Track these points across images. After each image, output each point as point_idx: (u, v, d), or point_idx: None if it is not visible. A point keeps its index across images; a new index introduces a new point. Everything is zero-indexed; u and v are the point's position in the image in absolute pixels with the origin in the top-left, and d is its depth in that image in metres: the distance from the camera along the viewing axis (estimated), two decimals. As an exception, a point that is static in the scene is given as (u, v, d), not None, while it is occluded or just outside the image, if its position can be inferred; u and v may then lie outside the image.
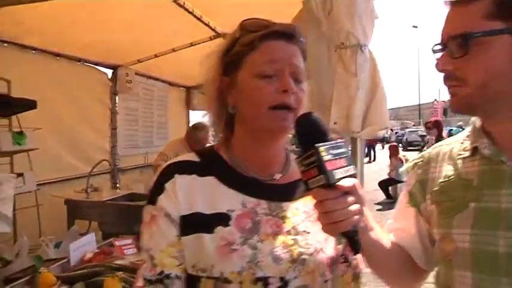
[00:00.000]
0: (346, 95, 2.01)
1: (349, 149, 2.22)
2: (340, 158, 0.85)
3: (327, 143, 0.85)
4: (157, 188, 1.05)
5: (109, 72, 5.52)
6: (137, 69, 5.72)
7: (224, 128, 1.11)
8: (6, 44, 3.92)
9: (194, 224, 1.00)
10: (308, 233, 1.02)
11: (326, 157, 0.83)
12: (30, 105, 3.50)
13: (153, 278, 0.99)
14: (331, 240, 1.02)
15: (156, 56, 5.28)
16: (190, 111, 7.95)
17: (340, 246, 1.03)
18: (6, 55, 3.92)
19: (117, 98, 5.64)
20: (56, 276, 1.97)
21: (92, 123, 5.19)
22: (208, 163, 1.08)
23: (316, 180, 0.84)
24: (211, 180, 1.05)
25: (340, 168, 0.84)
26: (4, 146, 3.26)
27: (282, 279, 0.96)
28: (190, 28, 4.48)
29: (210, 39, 4.91)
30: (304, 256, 0.99)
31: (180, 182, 1.03)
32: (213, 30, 4.64)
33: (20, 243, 3.14)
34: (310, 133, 0.88)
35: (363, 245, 0.91)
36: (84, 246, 2.38)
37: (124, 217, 3.58)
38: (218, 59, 1.09)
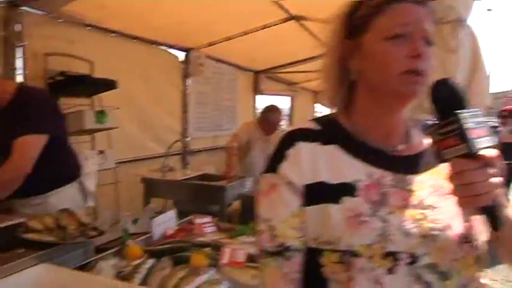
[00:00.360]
0: (443, 72, 1.90)
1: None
2: (481, 127, 0.79)
3: (467, 110, 0.79)
4: (278, 156, 1.01)
5: (181, 55, 5.60)
6: (208, 53, 5.77)
7: (344, 95, 1.06)
8: (89, 28, 4.07)
9: (319, 193, 0.96)
10: (435, 207, 0.96)
11: (468, 125, 0.77)
12: (111, 85, 3.63)
13: (272, 249, 0.97)
14: (459, 217, 0.95)
15: (227, 39, 5.28)
16: (257, 96, 7.95)
17: (467, 224, 0.95)
18: (90, 38, 4.08)
19: (188, 80, 5.70)
20: (142, 249, 2.02)
21: (164, 105, 5.30)
22: (330, 131, 1.04)
23: (456, 149, 0.78)
24: (334, 149, 1.00)
25: (483, 137, 0.78)
26: (88, 124, 3.40)
27: (412, 255, 0.90)
28: (264, 10, 4.45)
29: (283, 21, 4.85)
30: (434, 232, 0.93)
31: (303, 150, 0.99)
32: (287, 12, 4.57)
33: (103, 217, 3.29)
34: (449, 99, 0.82)
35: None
36: (165, 222, 2.43)
37: (198, 196, 3.65)
38: (340, 22, 1.04)
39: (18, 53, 3.40)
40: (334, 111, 1.10)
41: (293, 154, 0.99)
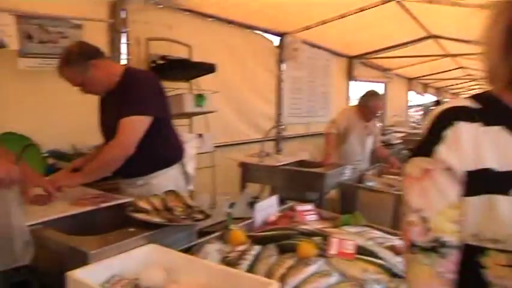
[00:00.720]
0: None
1: None
2: None
3: None
4: (433, 137, 0.87)
5: (276, 39, 5.51)
6: (303, 37, 5.62)
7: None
8: (187, 13, 4.10)
9: (483, 182, 0.80)
10: None
11: None
12: (210, 68, 3.62)
13: (425, 245, 0.83)
14: None
15: (323, 23, 5.09)
16: (350, 82, 7.67)
17: None
18: (188, 23, 4.12)
19: (283, 66, 5.60)
20: (245, 234, 1.95)
21: (259, 90, 5.26)
22: (492, 111, 0.87)
23: None
24: (499, 131, 0.84)
25: None
26: (187, 107, 3.42)
27: None
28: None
29: (382, 3, 4.57)
30: None
31: (464, 131, 0.84)
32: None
33: (202, 200, 3.30)
34: None
35: None
36: (267, 208, 2.35)
37: (296, 183, 3.55)
38: None
39: (123, 38, 3.51)
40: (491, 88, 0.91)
41: (452, 135, 0.84)
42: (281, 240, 1.84)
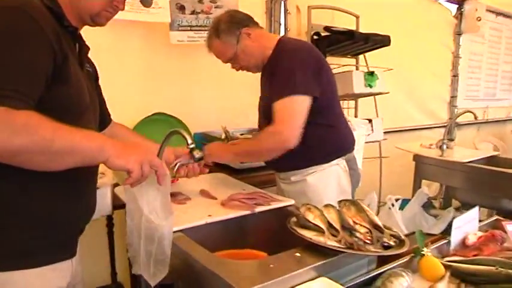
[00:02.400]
0: None
1: None
2: None
3: None
4: None
5: (453, 8, 4.61)
6: (488, 4, 4.62)
7: None
8: None
9: None
10: None
11: None
12: (384, 41, 2.99)
13: None
14: None
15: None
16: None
17: None
18: None
19: (460, 39, 4.69)
20: (442, 263, 1.36)
21: (431, 68, 4.46)
22: None
23: None
24: None
25: None
26: (357, 87, 2.84)
27: None
28: None
29: None
30: None
31: None
32: None
33: (368, 200, 2.73)
34: None
35: None
36: (466, 224, 1.68)
37: (487, 186, 2.75)
38: None
39: (281, 7, 3.07)
40: None
41: None
42: (498, 281, 1.21)
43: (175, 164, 1.74)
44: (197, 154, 1.55)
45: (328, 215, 1.41)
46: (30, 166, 1.00)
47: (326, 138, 1.94)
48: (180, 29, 2.61)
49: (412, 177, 3.30)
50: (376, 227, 1.37)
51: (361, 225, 1.37)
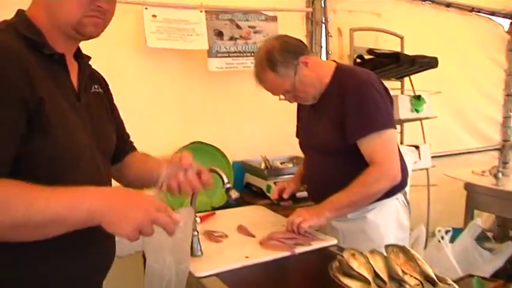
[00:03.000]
0: None
1: None
2: None
3: None
4: None
5: (505, 23, 4.38)
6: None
7: None
8: None
9: None
10: None
11: None
12: (431, 63, 2.84)
13: None
14: None
15: None
16: None
17: None
18: (398, 9, 3.47)
19: (513, 55, 4.45)
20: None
21: (482, 87, 4.21)
22: None
23: None
24: None
25: None
26: (403, 112, 2.70)
27: None
28: None
29: None
30: None
31: None
32: None
33: (416, 234, 2.57)
34: None
35: None
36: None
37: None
38: None
39: (322, 30, 2.99)
40: None
41: None
42: None
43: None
44: (234, 195, 1.45)
45: (374, 263, 1.29)
46: (16, 240, 0.89)
47: None
48: (218, 55, 2.57)
49: (463, 204, 3.10)
50: (428, 278, 1.24)
51: (411, 275, 1.24)
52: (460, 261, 2.57)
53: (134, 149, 1.49)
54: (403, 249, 1.34)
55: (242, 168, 2.72)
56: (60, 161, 1.02)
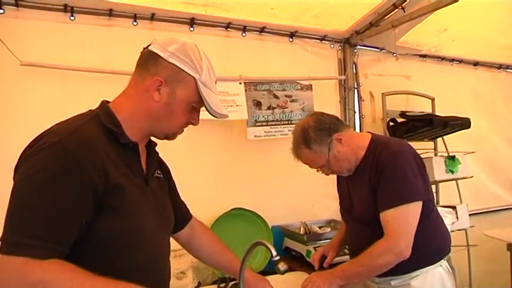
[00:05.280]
0: None
1: None
2: None
3: None
4: None
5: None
6: None
7: None
8: (425, 58, 3.54)
9: None
10: None
11: None
12: (464, 124, 2.89)
13: None
14: None
15: None
16: None
17: None
18: (428, 70, 3.58)
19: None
20: None
21: (512, 141, 4.20)
22: None
23: None
24: None
25: None
26: (438, 174, 2.74)
27: None
28: None
29: None
30: None
31: None
32: None
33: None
34: None
35: None
36: None
37: None
38: None
39: (355, 94, 3.09)
40: None
41: None
42: None
43: None
44: (282, 267, 1.49)
45: None
46: None
47: (430, 239, 1.84)
48: (257, 124, 2.68)
49: (507, 263, 3.03)
50: None
51: None
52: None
53: (191, 216, 1.65)
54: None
55: (281, 233, 2.76)
56: (128, 239, 1.11)
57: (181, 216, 1.56)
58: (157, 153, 1.38)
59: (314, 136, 1.83)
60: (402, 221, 1.72)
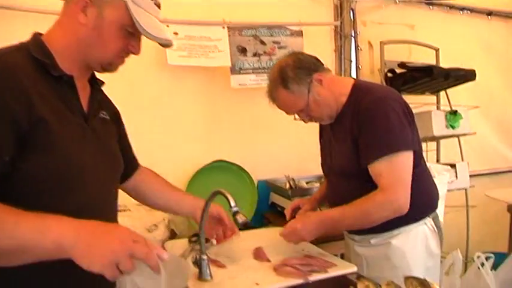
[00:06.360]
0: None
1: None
2: None
3: None
4: None
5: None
6: None
7: None
8: (432, 7, 3.27)
9: None
10: None
11: None
12: (468, 76, 2.68)
13: None
14: None
15: None
16: None
17: None
18: (433, 19, 3.31)
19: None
20: None
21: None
22: None
23: None
24: None
25: None
26: (437, 129, 2.55)
27: None
28: None
29: None
30: None
31: None
32: None
33: (450, 259, 2.37)
34: None
35: None
36: None
37: None
38: None
39: (351, 44, 2.89)
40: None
41: None
42: None
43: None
44: (241, 219, 1.36)
45: (387, 292, 1.17)
46: None
47: (416, 195, 1.66)
48: (241, 72, 2.51)
49: (507, 227, 2.88)
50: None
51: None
52: (505, 291, 2.35)
53: (139, 164, 1.54)
54: (423, 284, 1.21)
55: (267, 188, 2.64)
56: (61, 179, 1.00)
57: (130, 165, 1.46)
58: (102, 91, 1.27)
59: (293, 75, 1.66)
60: (397, 172, 1.55)
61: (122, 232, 0.89)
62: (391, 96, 1.65)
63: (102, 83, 1.26)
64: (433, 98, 3.11)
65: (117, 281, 0.93)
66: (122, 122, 1.41)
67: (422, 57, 3.05)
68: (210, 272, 1.47)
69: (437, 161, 3.00)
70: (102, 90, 1.27)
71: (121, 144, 1.36)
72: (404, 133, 1.58)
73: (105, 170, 1.17)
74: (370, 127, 1.58)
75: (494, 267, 2.49)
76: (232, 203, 1.35)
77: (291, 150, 2.75)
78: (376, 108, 1.59)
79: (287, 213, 1.98)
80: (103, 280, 0.84)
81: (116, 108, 1.38)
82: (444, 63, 2.99)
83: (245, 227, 1.38)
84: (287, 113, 1.78)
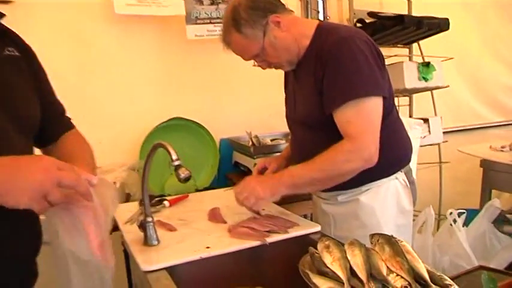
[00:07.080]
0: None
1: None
2: None
3: None
4: None
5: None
6: None
7: None
8: None
9: None
10: None
11: None
12: (441, 25, 2.53)
13: None
14: None
15: None
16: None
17: None
18: None
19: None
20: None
21: (503, 56, 3.85)
22: None
23: None
24: None
25: None
26: (409, 81, 2.41)
27: None
28: None
29: None
30: None
31: None
32: None
33: (423, 216, 2.28)
34: None
35: None
36: None
37: None
38: None
39: (319, -7, 2.69)
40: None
41: None
42: None
43: None
44: (183, 173, 1.20)
45: (351, 258, 1.02)
46: None
47: (385, 148, 1.51)
48: (198, 22, 2.31)
49: (479, 185, 2.80)
50: (419, 278, 0.97)
51: (397, 274, 0.98)
52: (475, 247, 2.29)
53: (72, 126, 1.25)
54: (389, 241, 1.07)
55: (230, 146, 2.49)
56: None
57: (54, 121, 1.17)
58: (2, 25, 1.04)
59: (246, 16, 1.47)
60: (366, 119, 1.39)
61: (46, 161, 0.79)
62: (359, 36, 1.48)
63: (3, 15, 1.02)
64: (406, 50, 2.96)
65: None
66: (37, 60, 1.14)
67: (393, 8, 2.87)
68: (157, 236, 1.33)
69: (410, 116, 2.89)
70: (2, 24, 1.04)
71: (41, 91, 1.11)
72: (374, 76, 1.42)
73: (12, 125, 0.96)
74: (334, 69, 1.41)
75: (466, 223, 2.44)
76: (174, 156, 1.19)
77: (255, 106, 2.60)
78: (341, 48, 1.41)
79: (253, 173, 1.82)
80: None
81: (28, 45, 1.12)
82: (417, 14, 2.84)
83: (187, 181, 1.22)
84: (243, 58, 1.60)
